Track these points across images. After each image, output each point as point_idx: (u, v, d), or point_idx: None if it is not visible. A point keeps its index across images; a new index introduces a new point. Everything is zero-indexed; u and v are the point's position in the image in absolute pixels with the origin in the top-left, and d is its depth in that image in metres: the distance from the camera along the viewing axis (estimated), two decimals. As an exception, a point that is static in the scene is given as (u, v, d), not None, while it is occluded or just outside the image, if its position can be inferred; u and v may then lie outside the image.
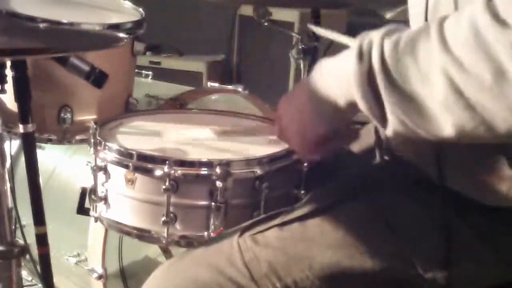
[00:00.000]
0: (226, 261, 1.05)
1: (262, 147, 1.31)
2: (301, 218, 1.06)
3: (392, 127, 0.84)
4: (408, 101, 0.80)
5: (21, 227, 1.57)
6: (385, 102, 0.82)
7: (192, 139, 1.37)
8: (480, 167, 0.97)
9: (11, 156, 1.75)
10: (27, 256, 1.35)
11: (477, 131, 0.77)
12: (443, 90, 0.77)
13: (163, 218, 1.20)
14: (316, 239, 1.04)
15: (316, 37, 2.06)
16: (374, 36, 0.85)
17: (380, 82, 0.82)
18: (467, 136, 0.78)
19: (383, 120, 0.85)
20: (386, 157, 1.05)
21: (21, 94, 1.31)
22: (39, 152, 1.40)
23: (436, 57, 0.77)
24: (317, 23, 2.07)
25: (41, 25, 1.31)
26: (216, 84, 2.05)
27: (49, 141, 1.58)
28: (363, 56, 0.84)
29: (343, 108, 0.92)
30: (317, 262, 1.02)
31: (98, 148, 1.27)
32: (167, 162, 1.18)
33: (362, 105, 0.86)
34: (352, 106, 0.89)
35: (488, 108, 0.75)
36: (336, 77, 0.91)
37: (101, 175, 1.28)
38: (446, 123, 0.78)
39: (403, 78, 0.80)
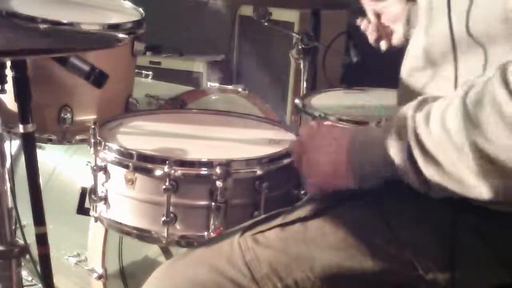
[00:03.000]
0: (226, 261, 1.05)
1: (262, 147, 1.31)
2: (302, 219, 1.06)
3: (436, 194, 0.92)
4: (446, 173, 0.88)
5: (21, 227, 1.56)
6: (424, 174, 0.90)
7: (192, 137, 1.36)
8: None
9: (11, 156, 1.75)
10: (27, 256, 1.35)
11: None
12: (476, 162, 0.83)
13: (163, 218, 1.20)
14: (317, 240, 1.04)
15: (316, 37, 2.06)
16: (407, 110, 0.93)
17: (417, 157, 0.90)
18: (507, 196, 0.86)
19: (429, 189, 0.93)
20: None
21: (21, 94, 1.31)
22: (39, 152, 1.40)
23: (464, 131, 0.84)
24: (317, 23, 2.07)
25: (41, 26, 1.31)
26: (216, 84, 2.06)
27: (49, 141, 1.58)
28: (400, 134, 0.92)
29: (380, 178, 0.98)
30: (318, 263, 1.02)
31: (98, 148, 1.27)
32: (167, 162, 1.18)
33: (406, 178, 0.93)
34: (391, 173, 0.95)
35: None
36: (377, 149, 0.96)
37: (101, 175, 1.28)
38: (485, 190, 0.85)
39: (437, 150, 0.88)
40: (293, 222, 1.06)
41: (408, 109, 0.93)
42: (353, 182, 1.01)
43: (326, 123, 1.18)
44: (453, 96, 0.88)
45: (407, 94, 1.08)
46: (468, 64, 0.96)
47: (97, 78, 1.32)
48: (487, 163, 0.83)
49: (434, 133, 0.88)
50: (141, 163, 1.22)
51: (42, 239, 1.37)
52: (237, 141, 1.38)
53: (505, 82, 0.81)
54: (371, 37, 1.59)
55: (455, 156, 0.86)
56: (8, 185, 1.19)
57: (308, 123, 1.15)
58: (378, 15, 1.57)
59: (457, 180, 0.87)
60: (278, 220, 1.08)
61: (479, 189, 0.86)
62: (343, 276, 1.02)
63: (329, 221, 1.05)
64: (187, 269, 1.08)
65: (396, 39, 1.56)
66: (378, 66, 2.36)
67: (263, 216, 1.14)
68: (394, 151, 0.93)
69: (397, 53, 1.45)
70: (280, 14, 2.89)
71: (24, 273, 1.91)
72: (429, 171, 0.90)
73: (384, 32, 1.57)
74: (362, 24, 1.60)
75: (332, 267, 1.02)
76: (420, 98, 0.94)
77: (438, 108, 0.89)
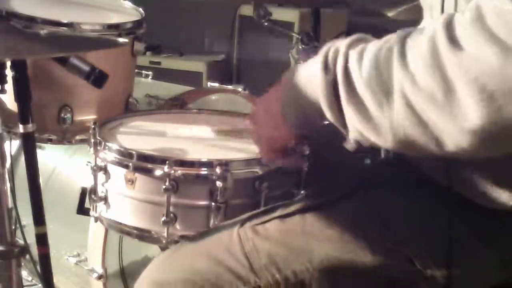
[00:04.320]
0: (225, 251, 1.05)
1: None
2: (301, 211, 1.07)
3: (351, 136, 0.88)
4: (363, 112, 0.84)
5: (21, 227, 1.56)
6: (344, 112, 0.86)
7: (192, 137, 1.37)
8: (487, 172, 0.97)
9: (11, 156, 1.75)
10: (27, 256, 1.35)
11: (427, 146, 0.80)
12: (397, 105, 0.80)
13: (163, 218, 1.20)
14: (315, 233, 1.04)
15: (316, 37, 2.06)
16: (340, 45, 0.88)
17: (342, 93, 0.86)
18: (415, 150, 0.82)
19: (345, 129, 0.88)
20: (390, 155, 1.06)
21: (21, 94, 1.30)
22: (39, 152, 1.40)
23: (395, 72, 0.80)
24: (317, 23, 2.07)
25: (42, 31, 1.31)
26: (216, 84, 2.06)
27: (49, 141, 1.58)
28: (328, 65, 0.88)
29: (311, 116, 0.95)
30: (317, 255, 1.03)
31: (98, 148, 1.27)
32: (167, 162, 1.18)
33: (328, 114, 0.89)
34: (320, 114, 0.91)
35: (438, 125, 0.77)
36: (304, 86, 0.94)
37: (101, 175, 1.28)
38: (395, 136, 0.81)
39: (363, 90, 0.83)
40: (292, 214, 1.07)
41: (341, 45, 0.89)
42: (288, 130, 1.01)
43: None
44: (390, 37, 0.84)
45: None
46: None
47: (97, 78, 1.32)
48: (408, 109, 0.79)
49: (364, 70, 0.83)
50: (141, 163, 1.22)
51: (42, 239, 1.37)
52: (237, 141, 1.38)
53: (448, 25, 0.77)
54: None
55: (379, 96, 0.81)
56: (8, 185, 1.19)
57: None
58: None
59: (374, 123, 0.83)
60: (278, 212, 1.08)
61: (392, 135, 0.82)
62: (341, 269, 1.03)
63: (327, 215, 1.05)
64: (185, 258, 1.08)
65: None
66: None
67: (262, 208, 1.15)
68: (320, 84, 0.89)
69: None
70: (280, 14, 2.90)
71: (24, 273, 1.91)
72: (350, 112, 0.86)
73: None
74: None
75: (331, 260, 1.02)
76: (354, 36, 0.90)
77: (373, 46, 0.85)
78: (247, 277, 1.03)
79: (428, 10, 1.06)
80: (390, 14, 2.95)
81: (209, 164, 1.19)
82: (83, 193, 1.39)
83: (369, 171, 1.23)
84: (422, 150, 0.81)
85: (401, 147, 0.83)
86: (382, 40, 0.85)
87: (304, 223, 1.06)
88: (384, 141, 0.84)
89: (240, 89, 1.98)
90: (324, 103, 0.89)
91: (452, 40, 0.76)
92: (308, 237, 1.04)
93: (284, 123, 1.01)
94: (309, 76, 0.93)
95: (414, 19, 1.28)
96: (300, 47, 2.05)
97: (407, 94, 0.78)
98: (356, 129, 0.86)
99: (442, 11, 0.95)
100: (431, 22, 0.81)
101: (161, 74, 2.38)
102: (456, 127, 0.75)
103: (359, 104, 0.84)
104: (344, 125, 0.88)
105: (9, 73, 1.26)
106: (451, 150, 0.78)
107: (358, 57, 0.85)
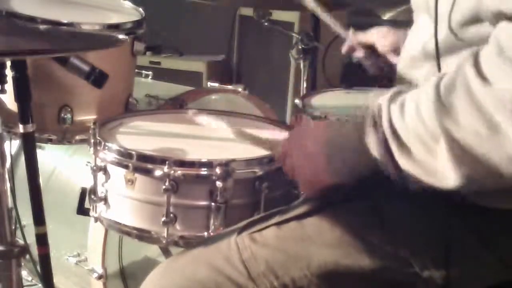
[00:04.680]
0: (224, 260, 1.06)
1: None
2: (298, 217, 1.07)
3: (411, 182, 0.91)
4: (416, 161, 0.88)
5: (21, 227, 1.56)
6: (399, 163, 0.90)
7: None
8: None
9: (11, 156, 1.75)
10: (27, 256, 1.35)
11: (486, 180, 0.84)
12: (447, 148, 0.84)
13: (163, 218, 1.20)
14: (313, 238, 1.04)
15: (316, 37, 2.06)
16: (382, 101, 0.92)
17: (392, 147, 0.90)
18: (477, 186, 0.86)
19: (403, 178, 0.91)
20: None
21: (21, 94, 1.31)
22: (39, 152, 1.40)
23: (437, 118, 0.84)
24: (317, 23, 2.07)
25: (41, 27, 1.31)
26: (216, 84, 2.05)
27: (49, 141, 1.58)
28: (376, 122, 0.92)
29: (358, 172, 0.98)
30: (315, 261, 1.03)
31: (98, 148, 1.27)
32: (167, 162, 1.18)
33: (384, 167, 0.92)
34: (368, 169, 0.95)
35: (490, 159, 0.82)
36: (353, 143, 0.96)
37: (101, 175, 1.28)
38: (455, 178, 0.85)
39: (411, 141, 0.88)
40: (289, 220, 1.07)
41: (382, 100, 0.93)
42: (333, 180, 1.01)
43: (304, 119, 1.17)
44: (426, 85, 0.88)
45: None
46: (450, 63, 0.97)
47: (97, 78, 1.32)
48: (458, 150, 0.83)
49: (408, 122, 0.88)
50: (141, 163, 1.22)
51: (42, 239, 1.37)
52: (237, 141, 1.38)
53: (475, 63, 0.82)
54: (369, 66, 1.60)
55: (428, 144, 0.86)
56: (8, 185, 1.19)
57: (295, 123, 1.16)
58: (371, 47, 1.57)
59: (429, 169, 0.87)
60: (275, 219, 1.08)
61: (450, 178, 0.85)
62: (340, 274, 1.03)
63: (326, 219, 1.05)
64: (185, 267, 1.09)
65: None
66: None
67: (260, 215, 1.15)
68: (372, 144, 0.92)
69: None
70: (280, 14, 2.89)
71: (24, 273, 1.91)
72: (403, 162, 0.89)
73: (380, 59, 1.58)
74: (359, 54, 1.59)
75: (329, 265, 1.02)
76: (394, 89, 0.94)
77: (412, 97, 0.89)
78: (245, 285, 1.04)
79: (423, 11, 1.06)
80: (388, 15, 2.95)
81: (209, 164, 1.19)
82: (83, 193, 1.39)
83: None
84: (482, 184, 0.85)
85: (463, 186, 0.85)
86: (419, 90, 0.89)
87: (302, 229, 1.06)
88: (445, 184, 0.86)
89: (240, 89, 1.98)
90: (379, 159, 0.92)
91: (482, 76, 0.81)
92: (306, 242, 1.05)
93: (328, 170, 1.01)
94: (359, 133, 0.95)
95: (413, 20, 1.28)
96: (300, 47, 2.05)
97: (453, 136, 0.83)
98: (414, 177, 0.89)
99: (436, 11, 0.96)
100: (462, 62, 0.85)
101: (161, 74, 2.38)
102: (509, 157, 0.80)
103: (409, 153, 0.88)
104: (402, 174, 0.91)
105: (9, 73, 1.26)
106: (508, 179, 0.82)
107: (400, 109, 0.89)
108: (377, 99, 0.94)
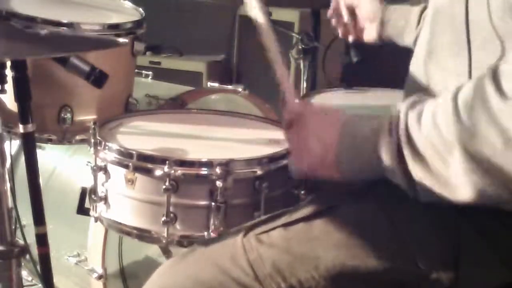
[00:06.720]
0: (229, 260, 1.05)
1: (262, 147, 1.31)
2: (306, 218, 1.06)
3: (421, 192, 0.92)
4: (429, 170, 0.88)
5: (21, 227, 1.57)
6: (411, 171, 0.91)
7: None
8: None
9: (11, 156, 1.75)
10: (27, 256, 1.35)
11: (498, 193, 0.85)
12: (461, 160, 0.84)
13: (163, 218, 1.20)
14: (321, 239, 1.04)
15: (316, 37, 2.06)
16: (400, 107, 0.93)
17: (406, 153, 0.90)
18: (490, 199, 0.86)
19: (413, 185, 0.92)
20: None
21: (21, 94, 1.31)
22: (39, 152, 1.40)
23: (453, 128, 0.85)
24: (317, 23, 2.07)
25: (42, 31, 1.31)
26: (216, 84, 2.05)
27: (49, 141, 1.58)
28: (392, 128, 0.92)
29: (365, 175, 0.99)
30: (323, 262, 1.02)
31: (98, 148, 1.27)
32: (167, 162, 1.18)
33: (393, 175, 0.93)
34: (377, 170, 0.95)
35: (505, 172, 0.82)
36: (366, 146, 0.96)
37: (101, 175, 1.28)
38: (469, 190, 0.85)
39: (426, 149, 0.88)
40: (296, 221, 1.06)
41: (401, 107, 0.93)
42: (338, 175, 1.01)
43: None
44: (445, 95, 0.88)
45: (416, 87, 1.07)
46: (481, 57, 0.96)
47: (97, 78, 1.32)
48: (475, 163, 0.83)
49: (425, 131, 0.88)
50: (141, 163, 1.22)
51: (42, 239, 1.37)
52: (237, 141, 1.38)
53: (494, 78, 0.82)
54: (340, 30, 1.62)
55: (444, 155, 0.86)
56: (8, 185, 1.19)
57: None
58: (352, 10, 1.58)
59: (443, 180, 0.87)
60: (282, 220, 1.07)
61: (463, 190, 0.86)
62: (347, 275, 1.02)
63: (333, 220, 1.05)
64: (189, 267, 1.08)
65: (368, 37, 1.58)
66: (378, 66, 2.36)
67: (266, 216, 1.14)
68: (384, 149, 0.93)
69: (397, 53, 1.45)
70: (280, 14, 2.89)
71: (24, 273, 1.91)
72: (416, 171, 0.90)
73: (355, 27, 1.59)
74: (332, 20, 1.62)
75: (336, 266, 1.02)
76: (413, 97, 0.94)
77: (429, 106, 0.90)
78: (251, 287, 1.03)
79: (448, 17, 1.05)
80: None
81: (209, 164, 1.19)
82: (83, 193, 1.40)
83: None
84: (496, 198, 0.86)
85: (476, 198, 0.86)
86: (438, 100, 0.90)
87: (309, 229, 1.05)
88: (458, 196, 0.87)
89: (240, 89, 1.98)
90: (388, 168, 0.93)
91: (501, 91, 0.81)
92: (313, 243, 1.04)
93: (336, 163, 1.01)
94: (375, 135, 0.95)
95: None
96: (300, 47, 2.05)
97: (468, 148, 0.83)
98: (426, 187, 0.90)
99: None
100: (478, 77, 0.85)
101: (161, 74, 2.38)
102: None
103: (423, 161, 0.89)
104: (414, 188, 0.92)
105: (9, 73, 1.26)
106: None
107: (417, 117, 0.90)
108: (396, 106, 0.94)
